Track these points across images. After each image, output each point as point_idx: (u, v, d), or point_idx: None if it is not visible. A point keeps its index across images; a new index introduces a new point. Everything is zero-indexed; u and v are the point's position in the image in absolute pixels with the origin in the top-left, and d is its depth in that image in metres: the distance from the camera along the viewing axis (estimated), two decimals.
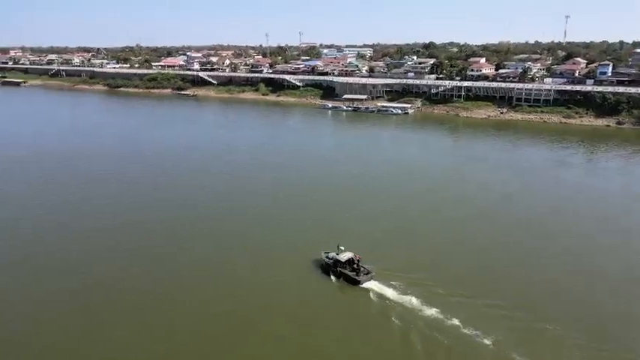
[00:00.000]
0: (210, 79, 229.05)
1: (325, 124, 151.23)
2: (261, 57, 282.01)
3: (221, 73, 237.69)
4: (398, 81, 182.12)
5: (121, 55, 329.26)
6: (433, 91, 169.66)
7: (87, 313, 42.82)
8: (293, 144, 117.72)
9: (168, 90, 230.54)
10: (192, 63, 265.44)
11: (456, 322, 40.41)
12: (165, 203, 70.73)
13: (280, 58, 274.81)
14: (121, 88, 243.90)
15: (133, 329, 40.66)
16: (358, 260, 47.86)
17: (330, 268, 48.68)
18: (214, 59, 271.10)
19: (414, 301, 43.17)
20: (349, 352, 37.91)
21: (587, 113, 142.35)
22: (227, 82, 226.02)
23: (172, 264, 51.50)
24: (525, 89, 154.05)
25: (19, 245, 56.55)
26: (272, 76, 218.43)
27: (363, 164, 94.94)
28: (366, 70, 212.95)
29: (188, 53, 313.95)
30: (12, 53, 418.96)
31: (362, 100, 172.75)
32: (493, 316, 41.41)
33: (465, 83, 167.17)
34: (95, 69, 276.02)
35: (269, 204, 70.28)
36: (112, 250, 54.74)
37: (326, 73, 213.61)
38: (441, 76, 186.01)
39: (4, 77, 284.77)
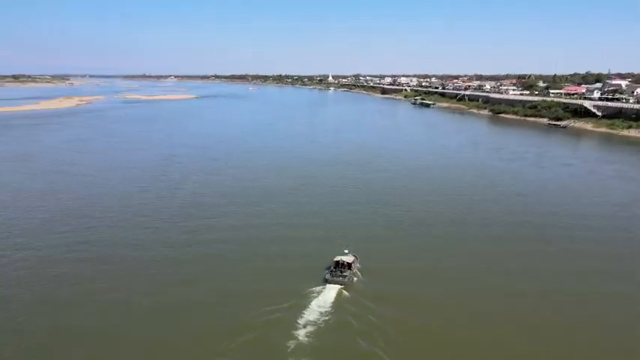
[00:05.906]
0: (594, 110, 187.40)
1: None
2: None
3: (613, 104, 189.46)
4: None
5: (528, 81, 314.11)
6: None
7: None
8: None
9: (544, 119, 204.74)
10: (593, 91, 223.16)
11: None
12: None
13: None
14: (502, 115, 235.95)
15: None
16: (345, 264, 46.88)
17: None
18: (623, 84, 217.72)
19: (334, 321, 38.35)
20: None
21: None
22: (615, 115, 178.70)
23: None
24: None
25: None
26: None
27: None
28: None
29: (607, 81, 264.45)
30: (456, 80, 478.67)
31: None
32: None
33: None
34: (490, 94, 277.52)
35: None
36: None
37: None
38: None
39: (423, 99, 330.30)
